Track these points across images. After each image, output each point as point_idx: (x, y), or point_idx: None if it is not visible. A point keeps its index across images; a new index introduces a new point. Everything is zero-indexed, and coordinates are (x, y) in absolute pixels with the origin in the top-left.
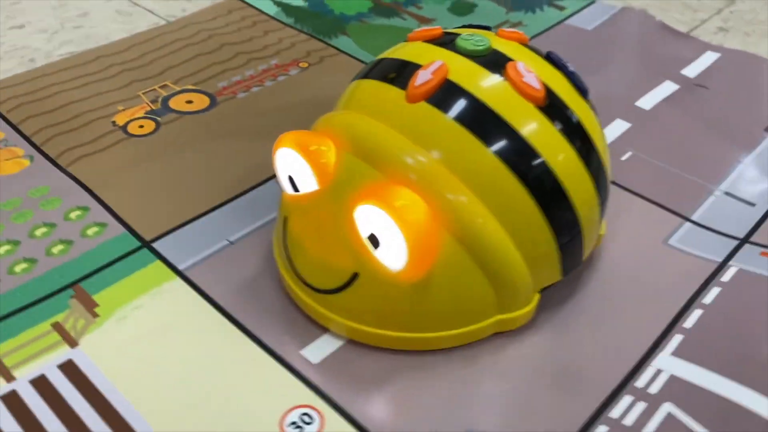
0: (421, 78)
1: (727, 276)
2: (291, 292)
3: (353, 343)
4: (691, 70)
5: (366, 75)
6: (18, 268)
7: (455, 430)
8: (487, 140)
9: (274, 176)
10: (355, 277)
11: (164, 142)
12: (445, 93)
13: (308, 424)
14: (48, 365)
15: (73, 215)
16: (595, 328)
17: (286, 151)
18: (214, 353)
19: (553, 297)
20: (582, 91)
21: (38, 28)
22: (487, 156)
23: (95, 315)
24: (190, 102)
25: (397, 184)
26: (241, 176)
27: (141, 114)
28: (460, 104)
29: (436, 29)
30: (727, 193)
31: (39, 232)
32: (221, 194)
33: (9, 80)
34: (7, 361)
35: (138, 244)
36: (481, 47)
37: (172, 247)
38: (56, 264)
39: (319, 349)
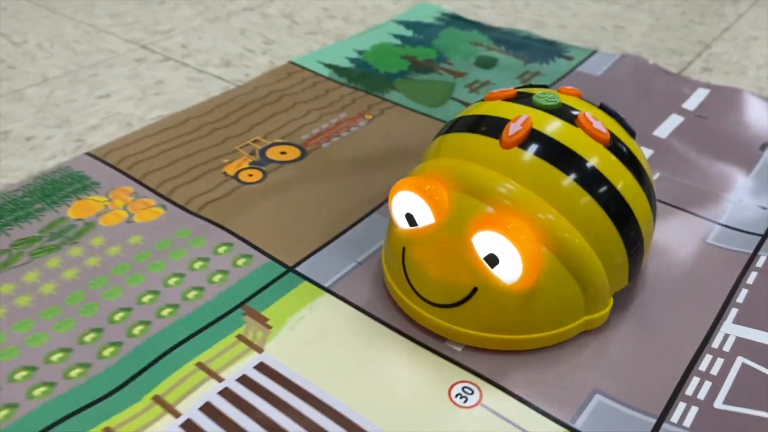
0: (513, 129)
1: (759, 263)
2: (408, 309)
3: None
4: (690, 104)
5: (450, 130)
6: (190, 295)
7: (583, 391)
8: (569, 172)
9: (374, 210)
10: (474, 291)
11: (275, 186)
12: (533, 139)
13: (470, 394)
14: (246, 367)
15: (221, 250)
16: (666, 310)
17: (404, 194)
18: (376, 346)
19: (622, 297)
20: (631, 132)
21: (123, 96)
22: (569, 183)
23: (269, 327)
24: (284, 153)
25: (507, 214)
26: (349, 210)
27: (246, 165)
28: (546, 147)
29: (510, 90)
30: (742, 201)
31: (197, 265)
32: (337, 226)
33: (119, 142)
34: (212, 366)
35: (283, 269)
36: (553, 103)
37: (313, 269)
38: (220, 290)
39: (456, 344)
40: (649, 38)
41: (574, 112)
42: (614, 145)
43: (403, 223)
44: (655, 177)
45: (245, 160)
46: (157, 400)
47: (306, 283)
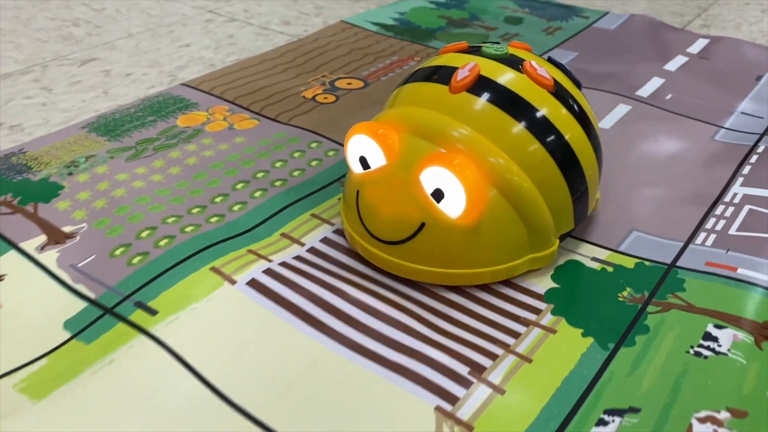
0: (461, 75)
1: (760, 149)
2: (361, 249)
3: None
4: (693, 49)
5: (407, 81)
6: (295, 173)
7: (623, 229)
8: (516, 116)
9: None
10: (422, 226)
11: (347, 105)
12: (480, 84)
13: None
14: (320, 236)
15: (313, 145)
16: (686, 181)
17: (358, 137)
18: None
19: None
20: (577, 84)
21: (202, 46)
22: (517, 128)
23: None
24: (349, 83)
25: (455, 152)
26: None
27: (320, 91)
28: (492, 91)
29: (462, 44)
30: (743, 113)
31: (296, 155)
32: None
33: (207, 76)
34: (295, 234)
35: None
36: (501, 52)
37: None
38: (318, 170)
39: None
40: (653, 4)
41: (521, 61)
42: (558, 92)
43: (357, 167)
44: (667, 97)
45: (319, 89)
46: (285, 235)
47: None
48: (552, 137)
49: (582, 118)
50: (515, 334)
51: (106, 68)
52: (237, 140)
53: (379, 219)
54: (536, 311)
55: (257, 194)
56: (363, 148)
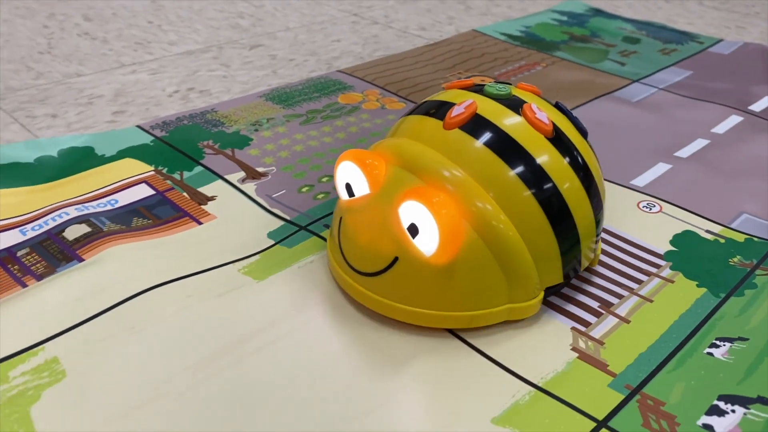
0: (456, 111)
1: None
2: (338, 277)
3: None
4: None
5: (411, 113)
6: None
7: (732, 212)
8: (509, 162)
9: None
10: (395, 260)
11: None
12: (474, 123)
13: (653, 207)
14: None
15: None
16: None
17: (346, 164)
18: None
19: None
20: (582, 132)
21: (351, 42)
22: (506, 172)
23: None
24: (483, 80)
25: (435, 188)
26: None
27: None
28: (486, 132)
29: (469, 80)
30: None
31: None
32: None
33: (359, 65)
34: None
35: None
36: (503, 92)
37: None
38: None
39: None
40: (765, 36)
41: (522, 103)
42: (557, 139)
43: (343, 193)
44: None
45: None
46: None
47: None
48: (543, 186)
49: (581, 168)
50: (638, 281)
51: (272, 53)
52: (389, 117)
53: (356, 248)
54: (656, 266)
55: None
56: (349, 175)
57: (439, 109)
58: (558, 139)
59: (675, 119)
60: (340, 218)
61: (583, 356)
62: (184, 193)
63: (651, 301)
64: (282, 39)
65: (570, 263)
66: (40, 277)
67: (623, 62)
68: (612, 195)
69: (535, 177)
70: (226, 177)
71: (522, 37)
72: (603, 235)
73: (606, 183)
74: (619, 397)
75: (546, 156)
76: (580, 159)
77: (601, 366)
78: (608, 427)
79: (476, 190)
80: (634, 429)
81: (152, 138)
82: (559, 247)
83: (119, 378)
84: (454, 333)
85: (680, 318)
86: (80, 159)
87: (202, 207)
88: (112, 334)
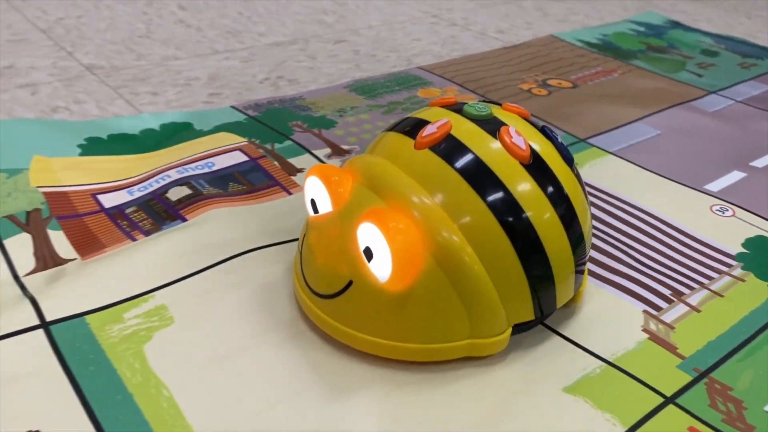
0: (428, 130)
1: None
2: (298, 297)
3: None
4: None
5: (390, 129)
6: None
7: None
8: (478, 189)
9: (639, 119)
10: (349, 284)
11: (559, 99)
12: (446, 144)
13: (726, 211)
14: None
15: None
16: None
17: (312, 179)
18: None
19: None
20: (567, 160)
21: (430, 41)
22: (476, 203)
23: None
24: (560, 83)
25: (395, 211)
26: (616, 114)
27: (534, 86)
28: (457, 155)
29: (451, 98)
30: None
31: None
32: (611, 122)
33: (437, 63)
34: None
35: (576, 139)
36: (483, 113)
37: (604, 140)
38: None
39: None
40: None
41: (501, 126)
42: (534, 166)
43: (309, 209)
44: None
45: (533, 84)
46: None
47: (594, 149)
48: (514, 217)
49: (559, 199)
50: (708, 277)
51: (355, 48)
52: None
53: (314, 267)
54: (728, 266)
55: None
56: (315, 190)
57: (414, 127)
58: (535, 167)
59: (752, 131)
60: (304, 235)
61: (654, 337)
62: (275, 162)
63: (722, 296)
64: (364, 35)
65: (542, 300)
66: (147, 233)
67: (700, 74)
68: (685, 198)
69: (505, 207)
70: (314, 152)
71: (599, 44)
72: (673, 233)
73: (679, 186)
74: (687, 378)
75: (519, 184)
76: (558, 189)
77: (671, 348)
78: (676, 404)
79: (442, 219)
80: (701, 408)
81: (245, 116)
82: (528, 283)
83: (222, 326)
84: None
85: (750, 314)
86: (180, 132)
87: (292, 178)
88: (215, 288)
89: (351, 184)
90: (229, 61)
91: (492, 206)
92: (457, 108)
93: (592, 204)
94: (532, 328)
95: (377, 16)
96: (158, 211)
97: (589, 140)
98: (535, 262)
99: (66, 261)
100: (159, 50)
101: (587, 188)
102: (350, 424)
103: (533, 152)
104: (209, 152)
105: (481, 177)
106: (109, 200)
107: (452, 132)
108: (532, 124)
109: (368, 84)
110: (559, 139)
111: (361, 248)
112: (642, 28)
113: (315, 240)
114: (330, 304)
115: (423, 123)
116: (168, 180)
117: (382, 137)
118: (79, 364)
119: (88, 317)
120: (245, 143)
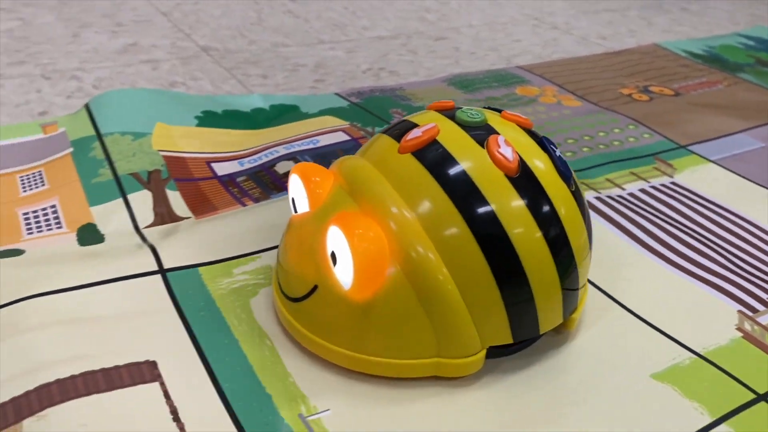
0: (413, 134)
1: None
2: (273, 299)
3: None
4: None
5: (384, 131)
6: (615, 142)
7: None
8: (458, 203)
9: (745, 130)
10: (315, 288)
11: (660, 105)
12: (428, 150)
13: None
14: (638, 187)
15: (630, 127)
16: None
17: (294, 177)
18: None
19: None
20: (564, 175)
21: (531, 43)
22: (455, 219)
23: (673, 168)
24: (662, 90)
25: (367, 217)
26: (720, 125)
27: (635, 91)
28: (439, 162)
29: (449, 102)
30: None
31: (615, 130)
32: (708, 132)
33: (538, 64)
34: (617, 181)
35: (675, 145)
36: (475, 119)
37: (705, 148)
38: (637, 144)
39: None
40: None
41: (491, 134)
42: (521, 179)
43: (291, 207)
44: None
45: (634, 89)
46: (609, 180)
47: (694, 156)
48: (491, 234)
49: (545, 216)
50: None
51: (455, 46)
52: (565, 112)
53: (286, 270)
54: None
55: (585, 149)
56: (296, 189)
57: (403, 131)
58: (523, 180)
59: None
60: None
61: (748, 337)
62: None
63: None
64: (465, 34)
65: (521, 324)
66: (256, 200)
67: None
68: None
69: (484, 223)
70: None
71: (704, 55)
72: None
73: None
74: None
75: (501, 199)
76: (547, 205)
77: (766, 348)
78: None
79: (417, 233)
80: None
81: (348, 103)
82: (505, 305)
83: None
84: (615, 300)
85: None
86: (287, 113)
87: None
88: None
89: (331, 186)
90: (334, 51)
91: (470, 221)
92: (450, 113)
93: (689, 207)
94: (513, 354)
95: (479, 16)
96: (266, 182)
97: (690, 147)
98: (513, 284)
99: (181, 218)
100: (269, 37)
101: (684, 192)
102: None
103: (522, 164)
104: (314, 132)
105: (461, 188)
106: (221, 169)
107: (438, 138)
108: (532, 135)
109: (467, 79)
110: (557, 153)
111: (328, 252)
112: (751, 42)
113: (290, 240)
114: (296, 307)
115: (412, 126)
116: (276, 155)
117: (375, 139)
118: (192, 309)
119: (200, 269)
120: (347, 126)
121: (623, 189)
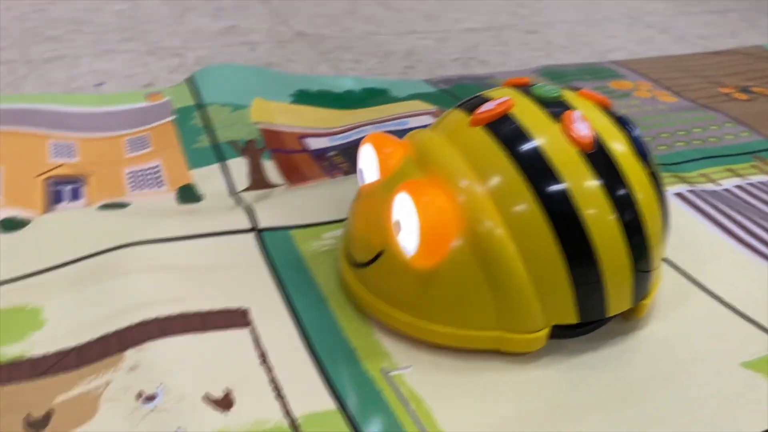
0: (486, 107)
1: None
2: (340, 265)
3: None
4: None
5: (458, 106)
6: (712, 139)
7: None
8: (530, 179)
9: None
10: (380, 254)
11: (761, 107)
12: (501, 124)
13: None
14: (734, 183)
15: (727, 125)
16: None
17: (366, 147)
18: None
19: None
20: (642, 154)
21: (626, 40)
22: (526, 195)
23: None
24: (763, 91)
25: (435, 187)
26: None
27: (734, 91)
28: (511, 136)
29: (525, 78)
30: None
31: (713, 128)
32: None
33: (632, 60)
34: (713, 176)
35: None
36: (551, 95)
37: None
38: (736, 141)
39: None
40: None
41: (566, 110)
42: (596, 156)
43: (359, 176)
44: None
45: (733, 89)
46: (704, 175)
47: None
48: (562, 212)
49: (619, 195)
50: None
51: (548, 39)
52: (659, 107)
53: (353, 236)
54: None
55: (679, 144)
56: (367, 159)
57: (476, 104)
58: (598, 158)
59: None
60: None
61: None
62: None
63: None
64: (558, 29)
65: (587, 305)
66: (345, 174)
67: None
68: None
69: (556, 200)
70: None
71: None
72: None
73: None
74: None
75: (574, 177)
76: (621, 185)
77: None
78: None
79: (486, 208)
80: None
81: (437, 89)
82: (572, 285)
83: None
84: (702, 286)
85: None
86: (377, 96)
87: None
88: None
89: (401, 157)
90: (424, 41)
91: (541, 198)
92: (527, 89)
93: None
94: (579, 336)
95: (573, 12)
96: (355, 157)
97: None
98: (582, 265)
99: (274, 185)
100: (362, 26)
101: None
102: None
103: (598, 141)
104: (403, 114)
105: (533, 164)
106: (313, 143)
107: (512, 111)
108: (610, 113)
109: (558, 70)
110: (636, 132)
111: (394, 219)
112: None
113: (358, 208)
114: (362, 272)
115: (485, 100)
116: (365, 133)
117: (447, 113)
118: (283, 266)
119: (292, 231)
120: (435, 110)
121: (719, 184)
